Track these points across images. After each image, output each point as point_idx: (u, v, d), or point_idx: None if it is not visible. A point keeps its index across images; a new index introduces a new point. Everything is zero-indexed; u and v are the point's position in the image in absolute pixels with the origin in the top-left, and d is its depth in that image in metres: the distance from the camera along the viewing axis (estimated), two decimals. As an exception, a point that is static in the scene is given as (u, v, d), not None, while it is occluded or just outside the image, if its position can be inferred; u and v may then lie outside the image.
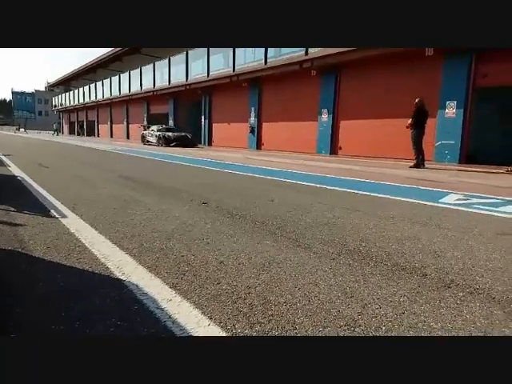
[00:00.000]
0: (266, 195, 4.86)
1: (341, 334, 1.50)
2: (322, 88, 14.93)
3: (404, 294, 1.90)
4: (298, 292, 1.89)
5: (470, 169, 9.26)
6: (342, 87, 14.29)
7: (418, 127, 9.34)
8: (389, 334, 1.51)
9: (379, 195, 4.99)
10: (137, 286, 1.91)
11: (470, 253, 2.57)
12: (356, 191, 5.34)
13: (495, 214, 3.89)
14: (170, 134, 19.82)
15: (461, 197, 4.89)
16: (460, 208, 4.18)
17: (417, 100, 9.51)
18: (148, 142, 21.08)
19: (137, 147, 18.18)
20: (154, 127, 21.35)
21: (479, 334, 1.51)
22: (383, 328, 1.56)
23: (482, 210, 4.07)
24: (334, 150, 14.75)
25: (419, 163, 9.29)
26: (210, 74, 20.36)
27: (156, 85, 26.15)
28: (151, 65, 26.40)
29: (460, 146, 10.77)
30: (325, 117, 14.83)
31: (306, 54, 14.45)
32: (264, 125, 18.42)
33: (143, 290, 1.86)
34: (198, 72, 21.46)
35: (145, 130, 22.88)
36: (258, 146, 18.79)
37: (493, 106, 11.32)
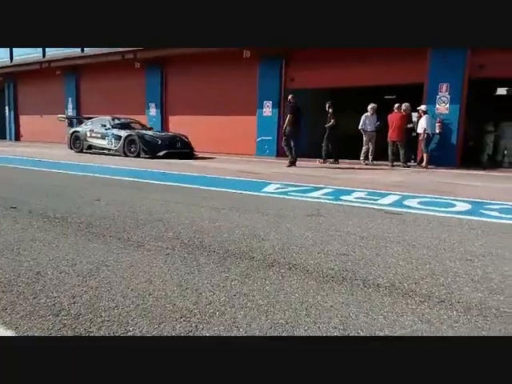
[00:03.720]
0: (88, 194, 4.45)
1: (177, 327, 1.50)
2: (148, 81, 14.50)
3: (235, 277, 2.03)
4: (130, 293, 1.80)
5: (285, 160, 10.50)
6: (170, 81, 14.19)
7: (293, 125, 8.92)
8: (223, 318, 1.58)
9: (210, 188, 5.18)
10: None
11: (288, 234, 2.93)
12: (187, 185, 5.41)
13: (305, 199, 4.53)
14: (150, 133, 10.80)
15: (279, 186, 5.50)
16: (278, 196, 4.71)
17: (290, 97, 9.23)
18: (92, 147, 11.36)
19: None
20: (103, 120, 11.39)
21: (297, 305, 1.73)
22: (217, 313, 1.62)
23: (295, 196, 4.68)
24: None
25: (295, 160, 9.04)
26: (14, 58, 17.41)
27: None
28: None
29: (276, 141, 12.11)
30: (153, 111, 14.48)
31: (130, 44, 13.78)
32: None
33: None
34: (-1, 55, 18.03)
35: (70, 125, 13.31)
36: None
37: (300, 104, 13.09)
